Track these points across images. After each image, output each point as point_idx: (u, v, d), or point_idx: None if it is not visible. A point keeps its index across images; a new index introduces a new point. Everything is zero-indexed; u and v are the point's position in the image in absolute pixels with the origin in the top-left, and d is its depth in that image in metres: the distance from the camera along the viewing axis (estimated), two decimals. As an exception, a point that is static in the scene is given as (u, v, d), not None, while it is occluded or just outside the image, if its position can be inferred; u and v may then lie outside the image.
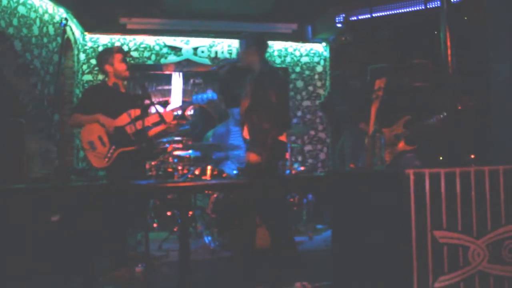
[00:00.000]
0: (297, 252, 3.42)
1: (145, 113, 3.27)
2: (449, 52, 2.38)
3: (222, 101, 3.81)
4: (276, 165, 3.40)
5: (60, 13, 5.10)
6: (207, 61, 6.32)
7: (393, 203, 1.70)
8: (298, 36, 6.49)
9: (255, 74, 3.26)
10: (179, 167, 4.75)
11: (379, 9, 5.40)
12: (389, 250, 1.72)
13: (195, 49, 6.32)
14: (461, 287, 1.64)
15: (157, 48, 6.21)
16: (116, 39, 6.07)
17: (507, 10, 3.11)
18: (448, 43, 2.38)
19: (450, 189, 1.66)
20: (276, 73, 3.38)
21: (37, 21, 4.64)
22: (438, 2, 5.03)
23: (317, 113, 6.63)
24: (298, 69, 6.62)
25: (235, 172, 4.51)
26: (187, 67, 6.29)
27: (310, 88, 6.66)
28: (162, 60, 6.22)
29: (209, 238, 4.00)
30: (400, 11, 5.31)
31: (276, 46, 6.56)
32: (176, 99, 6.28)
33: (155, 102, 3.25)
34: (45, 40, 4.80)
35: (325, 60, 6.66)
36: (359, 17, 5.52)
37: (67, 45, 5.43)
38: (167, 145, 4.92)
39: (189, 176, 4.44)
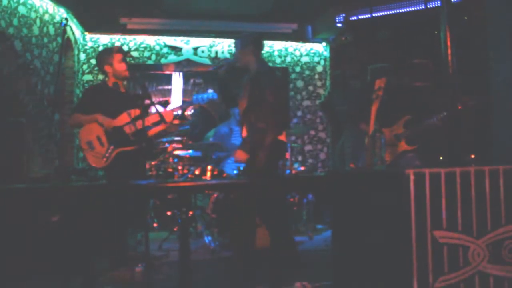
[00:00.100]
0: (297, 252, 3.42)
1: (145, 113, 3.27)
2: (449, 52, 2.38)
3: (221, 102, 3.80)
4: (276, 165, 3.40)
5: (61, 13, 5.10)
6: (207, 61, 6.32)
7: (393, 203, 1.70)
8: (298, 36, 6.49)
9: (252, 74, 3.26)
10: (179, 167, 4.75)
11: (379, 9, 5.40)
12: (389, 250, 1.72)
13: (195, 49, 6.32)
14: (461, 287, 1.64)
15: (157, 48, 6.22)
16: (116, 39, 6.07)
17: (507, 10, 3.11)
18: (448, 43, 2.38)
19: (450, 189, 1.66)
20: (273, 72, 3.37)
21: (38, 21, 4.64)
22: (438, 2, 5.03)
23: (317, 113, 6.63)
24: (298, 69, 6.62)
25: (235, 172, 4.51)
26: (187, 67, 6.29)
27: (310, 88, 6.66)
28: (162, 60, 6.22)
29: (209, 238, 4.00)
30: (400, 11, 5.31)
31: (276, 46, 6.56)
32: (176, 99, 6.28)
33: (155, 102, 3.25)
34: (45, 40, 4.80)
35: (325, 60, 6.66)
36: (359, 17, 5.51)
37: (67, 45, 5.43)
38: (167, 145, 4.92)
39: (189, 176, 4.44)
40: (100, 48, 5.91)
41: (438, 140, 3.37)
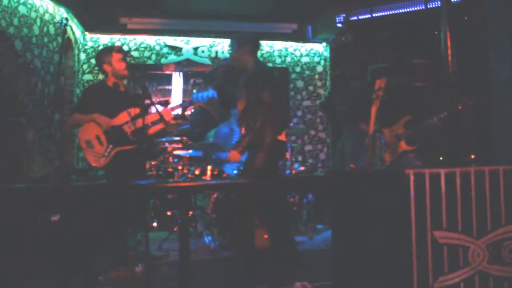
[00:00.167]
0: (297, 252, 3.42)
1: (145, 112, 3.26)
2: (449, 52, 2.38)
3: (220, 104, 3.82)
4: (275, 165, 3.39)
5: (61, 12, 5.10)
6: (208, 61, 6.32)
7: (393, 203, 1.70)
8: (298, 36, 6.49)
9: (249, 74, 3.26)
10: (179, 167, 4.75)
11: (379, 9, 5.40)
12: (389, 250, 1.72)
13: (196, 49, 6.32)
14: (461, 287, 1.64)
15: (157, 48, 6.22)
16: (117, 39, 6.07)
17: (507, 10, 3.11)
18: (448, 43, 2.38)
19: (450, 189, 1.66)
20: (270, 72, 3.36)
21: (38, 20, 4.64)
22: (439, 2, 5.03)
23: (317, 113, 6.63)
24: (298, 69, 6.62)
25: (235, 172, 4.51)
26: (188, 67, 6.29)
27: (310, 88, 6.66)
28: (163, 60, 6.22)
29: (209, 238, 4.00)
30: (400, 11, 5.31)
31: (276, 46, 6.56)
32: (176, 99, 6.28)
33: (155, 102, 3.25)
34: (45, 39, 4.80)
35: (325, 60, 6.66)
36: (359, 17, 5.51)
37: (67, 44, 5.43)
38: (167, 145, 4.92)
39: (189, 176, 4.44)
40: (100, 48, 5.91)
41: (438, 140, 3.37)
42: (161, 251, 3.83)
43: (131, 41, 6.12)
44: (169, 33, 6.20)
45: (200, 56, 6.32)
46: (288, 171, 4.76)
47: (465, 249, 1.66)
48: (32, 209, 2.90)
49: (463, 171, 1.68)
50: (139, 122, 3.20)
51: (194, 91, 6.19)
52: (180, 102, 6.03)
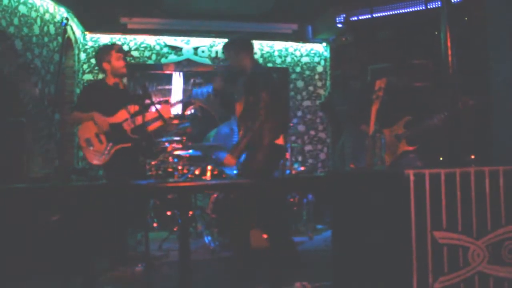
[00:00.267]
0: (297, 252, 3.42)
1: (144, 109, 3.26)
2: (449, 52, 2.38)
3: (223, 110, 3.84)
4: (273, 167, 3.38)
5: (61, 12, 5.10)
6: (208, 61, 6.32)
7: (393, 203, 1.70)
8: (299, 36, 6.49)
9: (247, 76, 3.25)
10: (179, 167, 4.75)
11: (380, 9, 5.40)
12: (389, 251, 1.72)
13: (196, 49, 6.32)
14: (461, 287, 1.64)
15: (157, 47, 6.22)
16: (117, 39, 6.07)
17: (507, 10, 3.10)
18: (449, 43, 2.38)
19: (450, 189, 1.66)
20: (268, 74, 3.35)
21: (38, 20, 4.64)
22: (439, 3, 5.03)
23: (318, 113, 6.63)
24: (298, 69, 6.62)
25: (235, 172, 4.51)
26: (188, 67, 6.29)
27: (311, 88, 6.66)
28: (163, 60, 6.22)
29: (209, 238, 4.00)
30: (401, 11, 5.31)
31: (276, 46, 6.56)
32: (176, 99, 6.28)
33: (155, 101, 3.24)
34: (45, 39, 4.80)
35: (325, 60, 6.66)
36: (360, 17, 5.51)
37: (67, 44, 5.43)
38: (167, 144, 4.92)
39: (189, 176, 4.44)
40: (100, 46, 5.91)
41: (438, 140, 3.37)
42: (161, 251, 3.83)
43: (131, 41, 6.12)
44: (169, 33, 6.19)
45: (200, 56, 6.31)
46: (288, 171, 4.76)
47: (465, 250, 1.66)
48: (32, 209, 2.89)
49: (463, 171, 1.68)
50: (139, 120, 3.19)
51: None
52: (181, 98, 6.02)
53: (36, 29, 4.59)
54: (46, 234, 2.92)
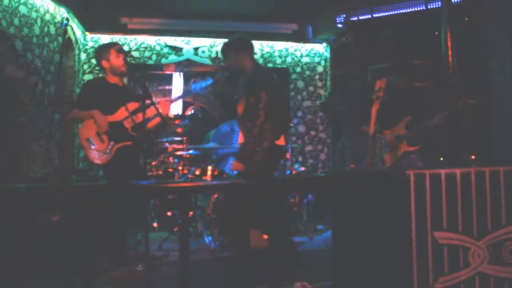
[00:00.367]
0: (297, 252, 3.42)
1: (143, 107, 3.25)
2: (449, 52, 2.38)
3: (226, 113, 3.85)
4: (273, 168, 3.38)
5: (61, 12, 5.10)
6: (208, 61, 6.32)
7: (393, 203, 1.70)
8: (299, 36, 6.49)
9: (247, 77, 3.25)
10: (180, 167, 4.75)
11: (380, 9, 5.40)
12: (389, 251, 1.72)
13: (196, 49, 6.32)
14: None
15: (158, 48, 6.22)
16: (117, 39, 6.06)
17: (507, 10, 3.10)
18: (449, 44, 2.39)
19: (451, 190, 1.66)
20: (269, 74, 3.34)
21: (38, 20, 4.64)
22: (439, 3, 5.03)
23: (318, 113, 6.63)
24: (298, 69, 6.62)
25: (235, 172, 4.51)
26: (188, 67, 6.29)
27: (311, 88, 6.66)
28: (163, 60, 6.22)
29: (209, 238, 3.99)
30: (401, 11, 5.31)
31: (276, 47, 6.56)
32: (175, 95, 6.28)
33: (155, 102, 3.24)
34: (46, 39, 4.80)
35: (325, 60, 6.66)
36: (360, 18, 5.51)
37: (68, 44, 5.44)
38: (167, 145, 4.92)
39: (190, 176, 4.44)
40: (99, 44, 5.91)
41: (438, 141, 3.37)
42: (161, 251, 3.83)
43: (131, 41, 6.13)
44: (170, 33, 6.20)
45: (201, 56, 6.32)
46: (288, 172, 4.76)
47: (465, 250, 1.66)
48: (32, 209, 2.89)
49: (463, 172, 1.68)
50: (139, 117, 3.19)
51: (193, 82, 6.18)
52: (181, 93, 6.02)
53: (37, 30, 4.59)
54: (46, 234, 2.92)
